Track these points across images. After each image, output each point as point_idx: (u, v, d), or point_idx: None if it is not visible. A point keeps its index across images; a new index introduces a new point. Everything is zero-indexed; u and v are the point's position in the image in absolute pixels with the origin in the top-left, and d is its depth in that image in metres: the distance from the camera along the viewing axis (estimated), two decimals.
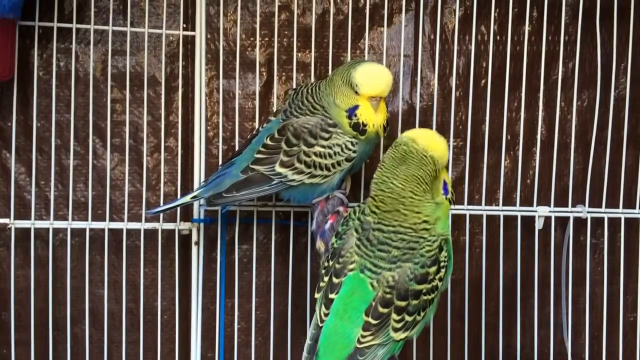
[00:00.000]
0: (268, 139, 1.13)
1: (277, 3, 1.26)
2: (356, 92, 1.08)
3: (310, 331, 1.05)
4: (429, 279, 1.02)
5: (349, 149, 1.12)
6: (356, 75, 1.08)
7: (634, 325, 1.38)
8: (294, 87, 1.24)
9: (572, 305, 1.33)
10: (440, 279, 1.03)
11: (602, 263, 1.34)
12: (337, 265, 1.03)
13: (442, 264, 1.03)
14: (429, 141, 1.04)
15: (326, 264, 1.06)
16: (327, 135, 1.12)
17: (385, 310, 1.00)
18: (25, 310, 1.22)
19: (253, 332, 1.27)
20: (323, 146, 1.12)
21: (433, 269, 1.02)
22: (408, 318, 1.01)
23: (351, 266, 1.02)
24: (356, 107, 1.09)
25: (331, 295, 1.02)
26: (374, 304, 1.00)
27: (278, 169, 1.12)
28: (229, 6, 1.27)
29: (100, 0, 1.24)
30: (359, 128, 1.10)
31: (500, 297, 1.30)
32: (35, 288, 1.20)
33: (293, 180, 1.13)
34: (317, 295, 1.05)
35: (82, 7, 1.23)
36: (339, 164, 1.12)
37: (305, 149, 1.12)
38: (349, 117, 1.10)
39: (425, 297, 1.02)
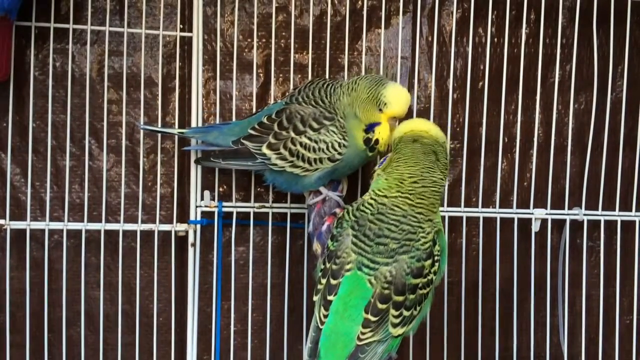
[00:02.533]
0: (265, 118, 1.16)
1: (274, 4, 1.26)
2: (380, 110, 1.11)
3: (309, 334, 1.05)
4: (424, 272, 1.02)
5: (335, 149, 1.13)
6: (386, 93, 1.10)
7: (630, 327, 1.38)
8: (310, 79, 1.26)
9: (569, 308, 1.33)
10: (435, 273, 1.04)
11: (598, 265, 1.35)
12: (334, 267, 1.03)
13: (435, 257, 1.04)
14: (439, 131, 1.08)
15: (322, 266, 1.06)
16: (316, 126, 1.13)
17: (384, 306, 1.00)
18: (20, 312, 1.21)
19: (249, 335, 1.26)
20: (310, 138, 1.13)
21: (428, 262, 1.03)
22: (406, 313, 1.01)
23: (348, 266, 1.02)
24: (377, 124, 1.12)
25: (330, 297, 1.02)
26: (372, 300, 1.01)
27: (264, 149, 1.15)
28: (226, 7, 1.27)
29: (97, 1, 1.23)
30: (369, 144, 1.12)
31: (496, 300, 1.30)
32: (31, 290, 1.19)
33: (275, 164, 1.16)
34: (315, 299, 1.05)
35: (79, 8, 1.23)
36: (321, 161, 1.13)
37: (293, 135, 1.13)
38: (366, 132, 1.12)
39: (421, 291, 1.03)
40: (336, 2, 1.30)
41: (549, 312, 1.33)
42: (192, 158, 1.24)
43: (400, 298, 1.01)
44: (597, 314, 1.34)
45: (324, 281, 1.04)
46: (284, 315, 1.28)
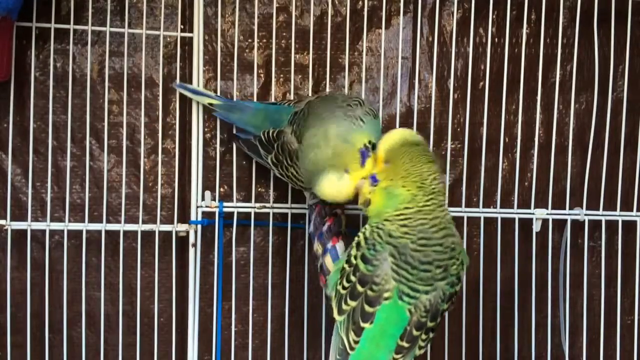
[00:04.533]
0: (271, 131, 1.15)
1: (275, 4, 1.26)
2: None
3: (333, 357, 1.03)
4: (453, 298, 1.02)
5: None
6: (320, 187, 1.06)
7: (632, 328, 1.38)
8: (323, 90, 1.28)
9: (570, 308, 1.33)
10: (457, 293, 1.03)
11: (599, 266, 1.34)
12: (370, 293, 0.99)
13: (461, 278, 1.03)
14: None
15: (346, 283, 1.01)
16: (299, 164, 1.11)
17: (418, 333, 1.00)
18: (21, 313, 1.21)
19: (250, 335, 1.26)
20: (297, 171, 1.12)
21: (458, 287, 1.02)
22: (431, 335, 1.01)
23: (387, 294, 0.98)
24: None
25: (363, 324, 0.99)
26: (409, 328, 0.99)
27: (269, 160, 1.16)
28: (226, 7, 1.27)
29: (98, 1, 1.23)
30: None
31: (497, 300, 1.30)
32: (31, 290, 1.19)
33: (279, 177, 1.17)
34: (339, 318, 1.02)
35: (80, 8, 1.23)
36: (311, 187, 1.12)
37: (286, 164, 1.13)
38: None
39: (445, 313, 1.03)
40: (337, 2, 1.30)
41: (550, 313, 1.33)
42: (193, 168, 1.24)
43: (432, 324, 1.00)
44: (598, 314, 1.34)
45: (352, 303, 1.00)
46: (285, 315, 1.28)
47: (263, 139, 1.16)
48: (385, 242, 0.99)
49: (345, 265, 1.03)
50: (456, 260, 1.01)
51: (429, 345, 1.07)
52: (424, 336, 1.00)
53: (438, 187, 1.01)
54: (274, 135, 1.15)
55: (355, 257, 1.01)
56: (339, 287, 1.03)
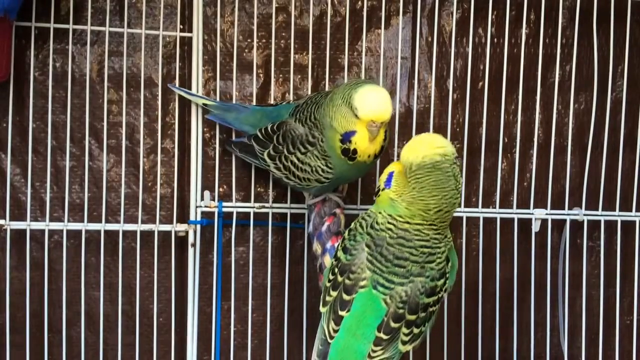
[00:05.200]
0: (270, 126, 1.15)
1: (274, 5, 1.26)
2: (355, 116, 1.02)
3: (316, 346, 1.03)
4: (437, 291, 1.01)
5: (319, 174, 1.11)
6: (357, 97, 1.01)
7: (631, 328, 1.38)
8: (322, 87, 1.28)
9: (569, 308, 1.33)
10: (445, 290, 1.03)
11: (598, 266, 1.34)
12: (348, 282, 1.01)
13: (446, 275, 1.03)
14: (447, 144, 0.99)
15: (331, 276, 1.03)
16: (303, 150, 1.11)
17: (397, 325, 0.99)
18: (20, 312, 1.21)
19: (249, 335, 1.26)
20: (298, 159, 1.12)
21: (441, 281, 1.01)
22: (415, 330, 1.01)
23: (362, 283, 1.00)
24: (353, 132, 1.03)
25: (341, 312, 1.00)
26: (386, 319, 0.99)
27: (265, 156, 1.16)
28: (226, 7, 1.27)
29: (97, 1, 1.23)
30: (348, 154, 1.05)
31: (497, 300, 1.30)
32: (31, 290, 1.19)
33: (275, 173, 1.16)
34: (322, 309, 1.03)
35: (79, 8, 1.23)
36: (309, 180, 1.12)
37: (286, 153, 1.13)
38: (342, 142, 1.05)
39: (431, 309, 1.02)
40: (336, 2, 1.30)
41: (549, 313, 1.33)
42: (192, 168, 1.24)
43: (413, 317, 1.00)
44: (597, 314, 1.34)
45: (334, 294, 1.02)
46: (284, 315, 1.28)
47: (260, 135, 1.16)
48: (365, 232, 1.01)
49: (333, 260, 1.05)
50: (439, 257, 1.00)
51: (416, 347, 1.06)
52: (405, 330, 1.00)
53: (443, 217, 0.99)
54: (274, 127, 1.15)
55: (339, 249, 1.04)
56: (326, 281, 1.05)
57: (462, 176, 1.03)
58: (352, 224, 1.04)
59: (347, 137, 1.04)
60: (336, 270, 1.02)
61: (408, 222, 1.00)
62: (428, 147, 0.98)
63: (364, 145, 1.04)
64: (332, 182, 1.12)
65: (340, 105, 1.04)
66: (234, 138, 1.24)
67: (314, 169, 1.11)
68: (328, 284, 1.03)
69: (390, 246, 0.99)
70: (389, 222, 1.00)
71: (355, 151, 1.05)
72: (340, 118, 1.04)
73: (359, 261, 1.00)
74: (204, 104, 1.22)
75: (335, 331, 1.01)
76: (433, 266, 1.00)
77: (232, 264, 1.26)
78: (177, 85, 1.24)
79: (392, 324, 0.99)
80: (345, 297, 1.00)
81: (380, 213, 1.01)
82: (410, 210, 0.99)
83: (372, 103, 1.01)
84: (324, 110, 1.07)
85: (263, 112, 1.20)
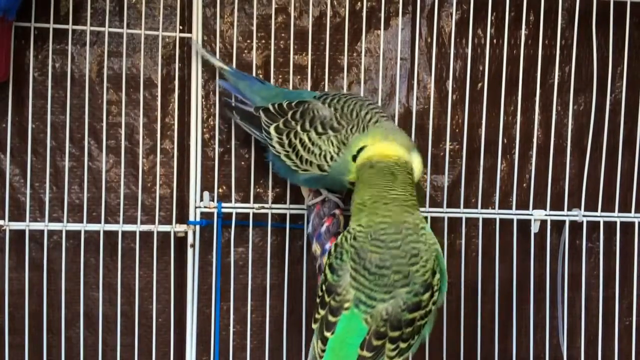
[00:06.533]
0: (286, 103, 1.16)
1: (274, 5, 1.26)
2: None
3: None
4: (422, 305, 1.01)
5: (324, 159, 1.11)
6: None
7: (630, 329, 1.38)
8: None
9: (568, 309, 1.33)
10: (434, 303, 1.03)
11: (597, 267, 1.34)
12: (333, 303, 1.02)
13: (435, 287, 1.02)
14: (399, 151, 1.05)
15: (320, 293, 1.04)
16: (321, 131, 1.12)
17: (380, 342, 1.00)
18: (19, 313, 1.21)
19: (248, 336, 1.26)
20: (310, 138, 1.12)
21: (426, 295, 1.01)
22: (402, 345, 1.01)
23: (347, 305, 1.01)
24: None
25: (327, 334, 1.01)
26: (368, 337, 1.00)
27: (272, 129, 1.15)
28: (225, 8, 1.27)
29: (97, 2, 1.23)
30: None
31: (496, 301, 1.30)
32: (30, 290, 1.19)
33: (274, 147, 1.16)
34: (314, 326, 1.04)
35: (78, 9, 1.23)
36: (310, 163, 1.13)
37: (299, 129, 1.13)
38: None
39: (418, 323, 1.01)
40: (335, 3, 1.30)
41: (549, 314, 1.33)
42: (192, 168, 1.24)
43: (397, 333, 1.00)
44: (596, 315, 1.34)
45: (322, 312, 1.03)
46: (283, 316, 1.28)
47: (272, 108, 1.16)
48: (350, 245, 1.02)
49: (322, 276, 1.05)
50: (422, 267, 1.01)
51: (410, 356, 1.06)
52: (390, 346, 1.00)
53: (380, 207, 1.02)
54: (291, 104, 1.15)
55: (326, 266, 1.04)
56: (316, 298, 1.05)
57: (412, 176, 1.05)
58: (338, 239, 1.05)
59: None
60: (324, 287, 1.03)
61: (360, 224, 1.03)
62: (374, 150, 1.06)
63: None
64: (326, 178, 1.13)
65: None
66: (234, 103, 1.23)
67: (323, 153, 1.11)
68: (317, 301, 1.04)
69: (372, 253, 1.00)
70: (357, 226, 1.03)
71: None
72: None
73: (344, 282, 1.01)
74: (220, 68, 1.22)
75: (323, 351, 1.02)
76: (416, 278, 1.00)
77: (231, 265, 1.26)
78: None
79: (374, 342, 1.00)
80: (331, 318, 1.01)
81: (352, 224, 1.05)
82: (355, 205, 1.05)
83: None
84: (356, 115, 1.11)
85: (282, 90, 1.21)
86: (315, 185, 1.18)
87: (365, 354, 1.00)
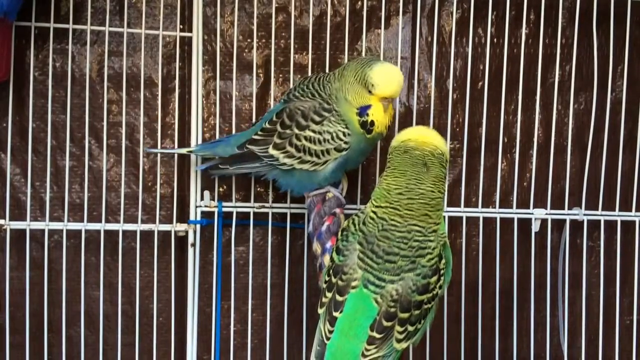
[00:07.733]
0: (267, 122, 1.16)
1: (274, 5, 1.26)
2: (370, 92, 1.09)
3: (315, 347, 1.04)
4: (430, 288, 1.02)
5: (340, 139, 1.12)
6: (372, 75, 1.08)
7: (630, 328, 1.38)
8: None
9: (569, 308, 1.33)
10: (440, 287, 1.04)
11: (598, 266, 1.34)
12: (340, 283, 1.02)
13: (441, 272, 1.03)
14: (437, 140, 1.05)
15: (326, 278, 1.05)
16: (318, 119, 1.12)
17: (389, 324, 1.00)
18: (20, 312, 1.21)
19: (249, 335, 1.26)
20: (314, 131, 1.12)
21: (434, 278, 1.02)
22: (410, 328, 1.01)
23: (354, 283, 1.01)
24: (369, 106, 1.10)
25: (335, 314, 1.02)
26: (378, 318, 1.00)
27: (271, 151, 1.15)
28: (226, 7, 1.27)
29: (97, 1, 1.23)
30: (366, 126, 1.11)
31: (496, 300, 1.30)
32: (30, 290, 1.19)
33: (284, 164, 1.15)
34: (320, 311, 1.04)
35: (79, 8, 1.23)
36: (328, 152, 1.13)
37: (297, 131, 1.13)
38: (360, 115, 1.10)
39: (425, 306, 1.02)
40: (336, 2, 1.30)
41: (549, 313, 1.33)
42: (192, 168, 1.24)
43: (406, 315, 1.00)
44: (597, 314, 1.34)
45: (329, 295, 1.03)
46: (284, 315, 1.28)
47: (258, 135, 1.15)
48: (358, 229, 1.03)
49: (329, 262, 1.06)
50: (429, 254, 1.01)
51: (415, 344, 1.07)
52: (399, 328, 1.00)
53: (404, 202, 1.02)
54: (273, 119, 1.15)
55: (333, 251, 1.05)
56: (322, 282, 1.06)
57: (444, 170, 1.05)
58: (345, 223, 1.07)
59: (363, 111, 1.11)
60: (331, 271, 1.04)
61: (380, 206, 1.03)
62: (412, 134, 1.06)
63: (381, 116, 1.11)
64: (349, 154, 1.13)
65: (353, 82, 1.10)
66: (213, 163, 1.20)
67: (334, 134, 1.12)
68: (324, 286, 1.05)
69: (380, 241, 1.01)
70: (371, 211, 1.04)
71: (372, 123, 1.11)
72: (354, 94, 1.10)
73: (351, 262, 1.02)
74: (188, 151, 1.21)
75: (331, 332, 1.02)
76: (424, 262, 1.01)
77: (232, 264, 1.26)
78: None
79: (385, 323, 1.00)
80: (339, 298, 1.02)
81: (370, 204, 1.05)
82: (379, 190, 1.04)
83: (388, 81, 1.08)
84: (334, 85, 1.12)
85: (252, 128, 1.20)
86: (339, 175, 1.18)
87: (375, 335, 1.00)
